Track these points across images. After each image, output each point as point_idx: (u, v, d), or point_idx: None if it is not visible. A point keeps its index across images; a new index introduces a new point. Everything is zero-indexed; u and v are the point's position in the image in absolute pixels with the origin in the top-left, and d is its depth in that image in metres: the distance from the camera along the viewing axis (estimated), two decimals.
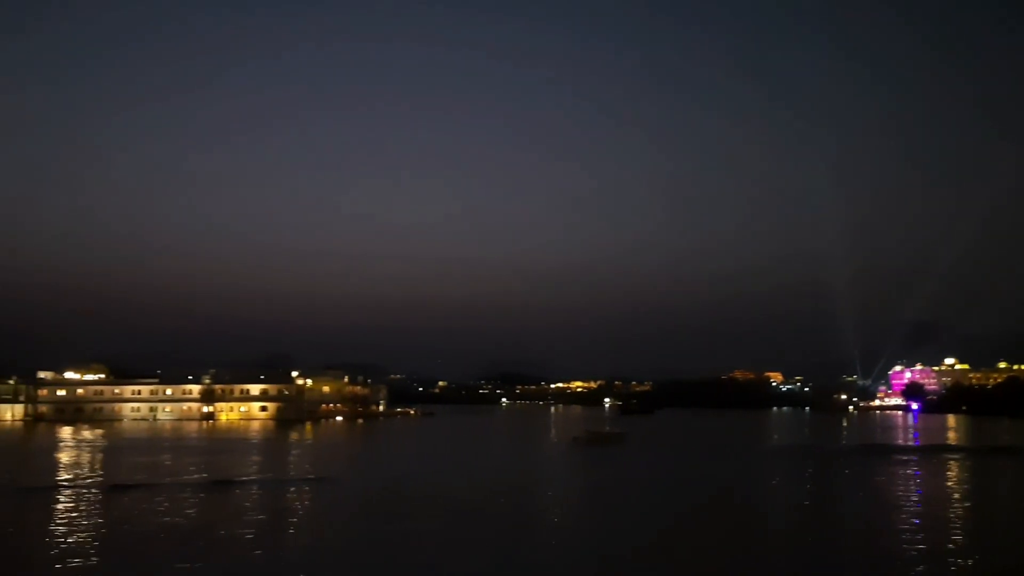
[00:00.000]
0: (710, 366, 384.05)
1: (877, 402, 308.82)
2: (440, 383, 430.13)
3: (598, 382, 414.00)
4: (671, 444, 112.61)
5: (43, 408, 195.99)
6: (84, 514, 44.28)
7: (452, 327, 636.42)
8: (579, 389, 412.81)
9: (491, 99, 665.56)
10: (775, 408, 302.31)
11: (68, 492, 53.30)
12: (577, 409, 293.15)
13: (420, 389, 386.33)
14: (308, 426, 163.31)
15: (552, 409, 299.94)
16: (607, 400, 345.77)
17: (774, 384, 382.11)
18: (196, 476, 63.82)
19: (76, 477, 63.81)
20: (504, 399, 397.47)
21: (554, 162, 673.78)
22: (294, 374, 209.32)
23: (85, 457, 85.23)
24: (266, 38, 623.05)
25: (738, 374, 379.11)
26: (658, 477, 67.25)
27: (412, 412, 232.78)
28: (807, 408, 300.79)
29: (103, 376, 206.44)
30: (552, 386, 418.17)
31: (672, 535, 40.05)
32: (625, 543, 37.36)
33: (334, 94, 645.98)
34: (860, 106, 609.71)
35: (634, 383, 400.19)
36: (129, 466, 73.40)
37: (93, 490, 54.52)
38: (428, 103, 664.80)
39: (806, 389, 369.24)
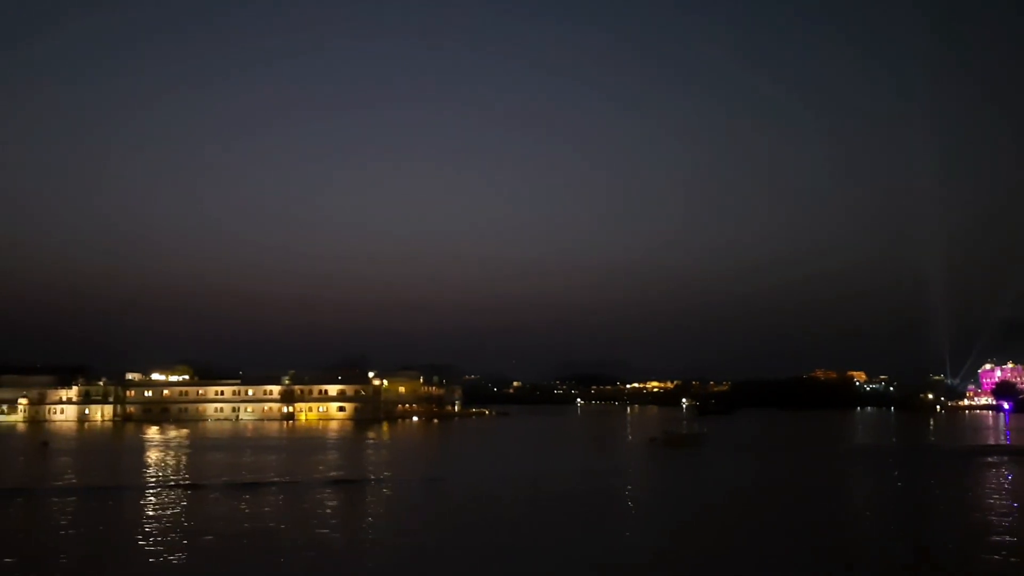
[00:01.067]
0: (791, 365, 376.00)
1: (966, 402, 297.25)
2: (514, 383, 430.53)
3: (675, 382, 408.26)
4: (752, 445, 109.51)
5: (131, 408, 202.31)
6: (175, 513, 44.42)
7: (527, 328, 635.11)
8: (655, 389, 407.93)
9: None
10: (858, 408, 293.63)
11: (159, 492, 53.90)
12: (653, 410, 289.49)
13: (495, 389, 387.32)
14: (385, 426, 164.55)
15: (628, 410, 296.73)
16: (684, 400, 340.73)
17: (857, 384, 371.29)
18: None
19: (165, 477, 64.75)
20: (579, 400, 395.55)
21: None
22: (371, 375, 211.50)
23: (177, 457, 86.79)
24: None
25: (820, 373, 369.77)
26: (740, 480, 65.07)
27: (487, 412, 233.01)
28: (892, 408, 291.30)
29: (188, 377, 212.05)
30: (628, 386, 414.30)
31: (757, 540, 38.18)
32: (707, 548, 35.80)
33: (397, 88, 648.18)
34: (961, 99, 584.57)
35: (712, 383, 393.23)
36: (215, 465, 74.36)
37: (182, 489, 54.90)
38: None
39: (891, 389, 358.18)
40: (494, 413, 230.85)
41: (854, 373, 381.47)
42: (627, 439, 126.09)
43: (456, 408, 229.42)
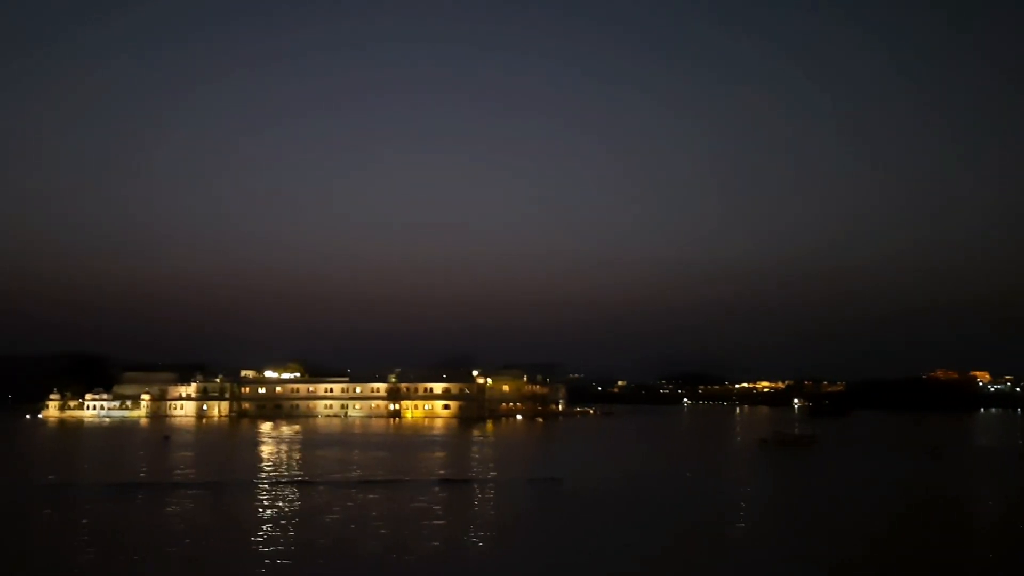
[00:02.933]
0: (909, 365, 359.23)
1: None
2: (619, 383, 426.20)
3: (786, 382, 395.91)
4: (868, 447, 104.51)
5: (246, 405, 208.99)
6: (287, 509, 44.72)
7: (632, 327, 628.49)
8: (766, 389, 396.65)
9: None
10: (982, 410, 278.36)
11: (272, 488, 54.57)
12: (764, 410, 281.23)
13: (599, 389, 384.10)
14: (489, 424, 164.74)
15: (737, 410, 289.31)
16: (796, 401, 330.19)
17: (981, 384, 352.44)
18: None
19: (279, 473, 65.82)
20: (686, 399, 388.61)
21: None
22: (475, 373, 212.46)
23: (289, 453, 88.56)
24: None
25: (940, 373, 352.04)
26: (856, 483, 61.60)
27: (591, 411, 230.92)
28: (1020, 410, 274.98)
29: (299, 375, 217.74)
30: (737, 386, 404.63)
31: (880, 547, 35.59)
32: (824, 556, 33.54)
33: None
34: None
35: (825, 383, 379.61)
36: (325, 462, 75.17)
37: (294, 486, 55.51)
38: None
39: (1018, 389, 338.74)
40: (598, 412, 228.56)
41: (977, 373, 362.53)
42: (736, 440, 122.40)
43: (560, 407, 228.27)
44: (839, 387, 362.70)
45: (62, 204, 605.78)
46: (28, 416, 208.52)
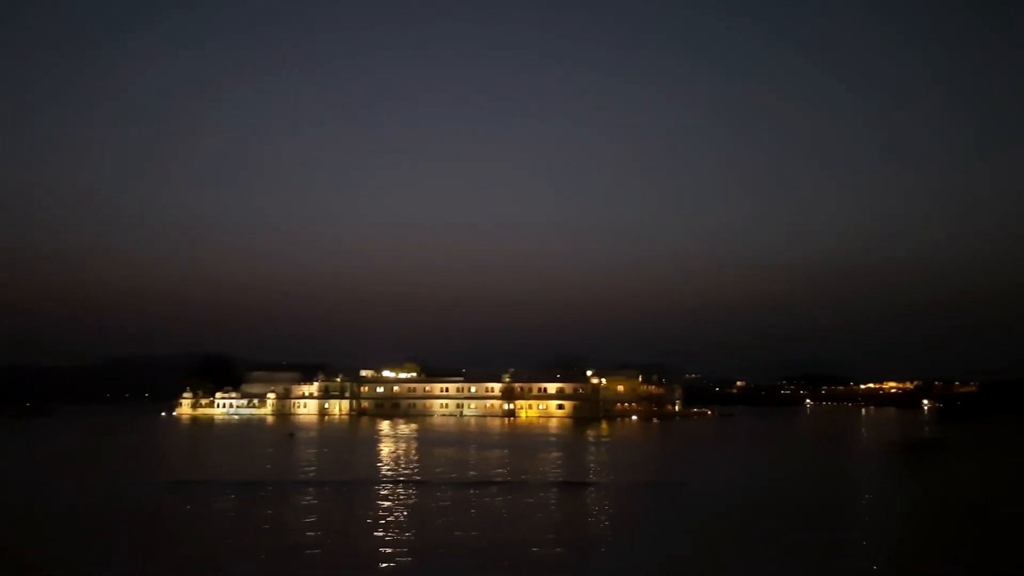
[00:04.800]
0: None
1: None
2: (738, 383, 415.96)
3: (914, 383, 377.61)
4: (1006, 452, 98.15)
5: (365, 403, 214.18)
6: (405, 509, 44.91)
7: (749, 326, 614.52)
8: (892, 390, 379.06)
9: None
10: None
11: (391, 487, 55.07)
12: (891, 412, 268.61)
13: (716, 389, 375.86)
14: (604, 425, 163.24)
15: (862, 411, 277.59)
16: (925, 403, 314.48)
17: None
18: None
19: (397, 472, 66.60)
20: (808, 400, 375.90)
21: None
22: (589, 373, 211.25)
23: (407, 452, 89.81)
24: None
25: None
26: (993, 491, 57.57)
27: (708, 412, 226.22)
28: None
29: (415, 374, 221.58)
30: (861, 387, 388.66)
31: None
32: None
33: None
34: None
35: (957, 384, 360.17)
36: (442, 461, 75.58)
37: (412, 486, 55.80)
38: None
39: None
40: (716, 413, 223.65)
41: None
42: (862, 443, 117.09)
43: (676, 408, 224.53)
44: (972, 388, 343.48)
45: (187, 214, 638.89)
46: (163, 413, 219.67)
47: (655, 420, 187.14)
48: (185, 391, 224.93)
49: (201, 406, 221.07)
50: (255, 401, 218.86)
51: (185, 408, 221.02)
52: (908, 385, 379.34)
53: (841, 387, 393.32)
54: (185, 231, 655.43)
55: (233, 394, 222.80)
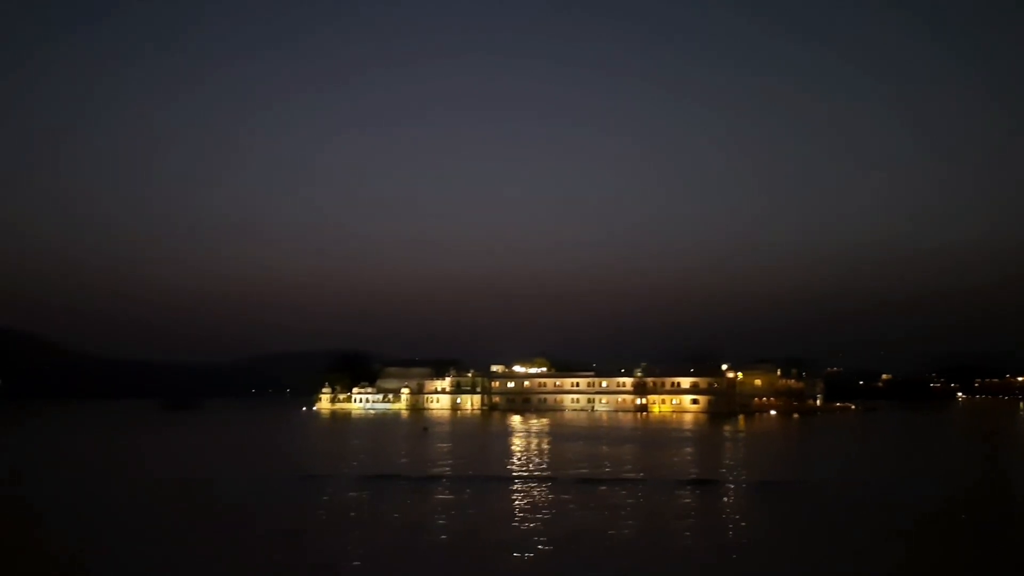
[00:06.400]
0: None
1: None
2: (883, 376, 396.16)
3: None
4: None
5: (496, 398, 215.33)
6: (546, 503, 43.65)
7: (896, 318, 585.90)
8: None
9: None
10: None
11: (528, 481, 54.17)
12: None
13: (860, 383, 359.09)
14: (741, 420, 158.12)
15: (1021, 405, 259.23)
16: None
17: None
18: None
19: (529, 468, 65.61)
20: (960, 394, 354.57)
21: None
22: (724, 367, 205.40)
23: (539, 447, 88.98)
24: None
25: None
26: None
27: (852, 407, 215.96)
28: None
29: (545, 369, 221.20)
30: (1019, 379, 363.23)
31: None
32: None
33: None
34: None
35: None
36: (574, 457, 74.02)
37: (543, 483, 54.56)
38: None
39: None
40: (860, 408, 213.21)
41: None
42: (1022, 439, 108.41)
43: (818, 402, 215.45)
44: None
45: (324, 220, 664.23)
46: (303, 408, 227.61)
47: (795, 415, 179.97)
48: (324, 386, 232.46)
49: (339, 401, 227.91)
50: (389, 396, 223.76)
51: (324, 403, 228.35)
52: None
53: (996, 379, 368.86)
54: (321, 234, 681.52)
55: (369, 389, 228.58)
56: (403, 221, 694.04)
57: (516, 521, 38.81)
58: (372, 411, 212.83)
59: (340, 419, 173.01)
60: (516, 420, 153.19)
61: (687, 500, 47.25)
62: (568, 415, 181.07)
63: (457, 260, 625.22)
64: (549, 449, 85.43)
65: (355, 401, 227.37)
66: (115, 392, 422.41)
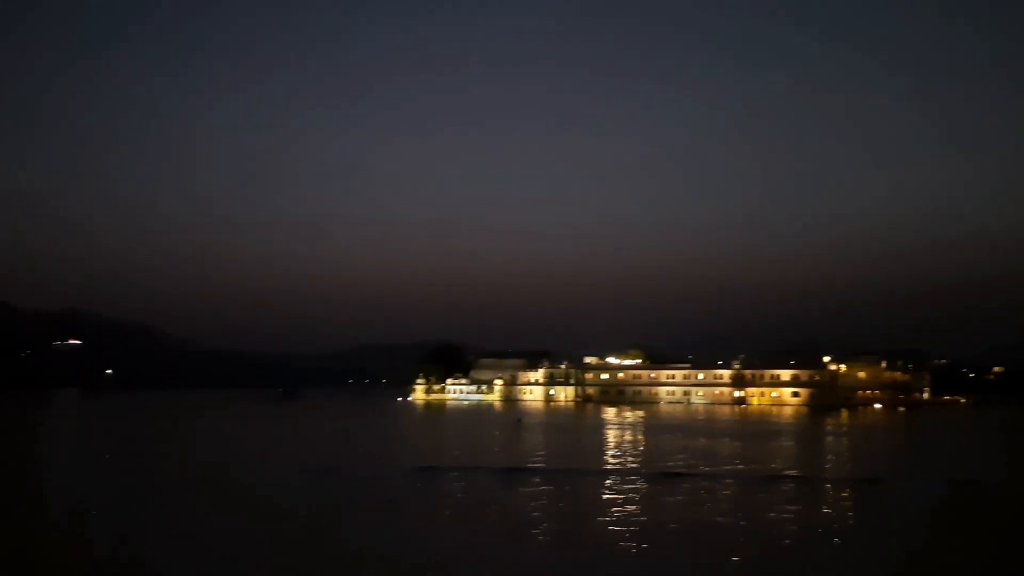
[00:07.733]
0: None
1: None
2: (995, 368, 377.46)
3: None
4: None
5: (590, 390, 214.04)
6: (641, 496, 43.12)
7: (1007, 305, 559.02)
8: None
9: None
10: None
11: (624, 475, 53.56)
12: None
13: (971, 376, 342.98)
14: (844, 413, 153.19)
15: None
16: None
17: None
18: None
19: (624, 462, 64.85)
20: None
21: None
22: (826, 359, 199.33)
23: (633, 440, 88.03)
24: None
25: None
26: None
27: (962, 401, 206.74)
28: None
29: (640, 361, 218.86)
30: None
31: None
32: None
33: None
34: None
35: None
36: (671, 450, 72.64)
37: (640, 477, 53.65)
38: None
39: None
40: (971, 402, 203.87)
41: None
42: None
43: (925, 395, 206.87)
44: None
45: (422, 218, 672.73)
46: (399, 398, 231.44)
47: (901, 408, 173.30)
48: (419, 377, 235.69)
49: (433, 392, 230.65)
50: (483, 387, 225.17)
51: (419, 393, 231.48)
52: None
53: None
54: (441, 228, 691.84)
55: (463, 380, 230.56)
56: (496, 215, 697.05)
57: (618, 513, 38.32)
58: (465, 402, 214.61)
59: (434, 409, 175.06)
60: (611, 412, 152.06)
61: (794, 496, 45.65)
62: (663, 407, 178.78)
63: (550, 251, 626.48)
64: (645, 442, 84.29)
65: (449, 392, 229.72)
66: (210, 382, 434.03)
